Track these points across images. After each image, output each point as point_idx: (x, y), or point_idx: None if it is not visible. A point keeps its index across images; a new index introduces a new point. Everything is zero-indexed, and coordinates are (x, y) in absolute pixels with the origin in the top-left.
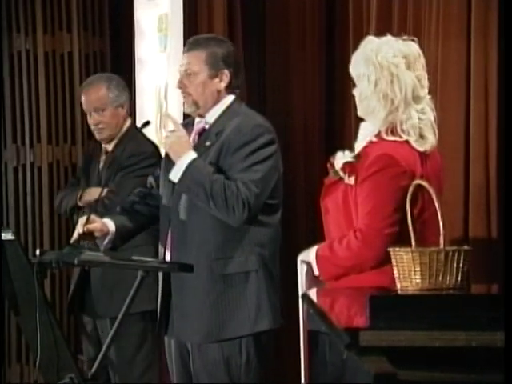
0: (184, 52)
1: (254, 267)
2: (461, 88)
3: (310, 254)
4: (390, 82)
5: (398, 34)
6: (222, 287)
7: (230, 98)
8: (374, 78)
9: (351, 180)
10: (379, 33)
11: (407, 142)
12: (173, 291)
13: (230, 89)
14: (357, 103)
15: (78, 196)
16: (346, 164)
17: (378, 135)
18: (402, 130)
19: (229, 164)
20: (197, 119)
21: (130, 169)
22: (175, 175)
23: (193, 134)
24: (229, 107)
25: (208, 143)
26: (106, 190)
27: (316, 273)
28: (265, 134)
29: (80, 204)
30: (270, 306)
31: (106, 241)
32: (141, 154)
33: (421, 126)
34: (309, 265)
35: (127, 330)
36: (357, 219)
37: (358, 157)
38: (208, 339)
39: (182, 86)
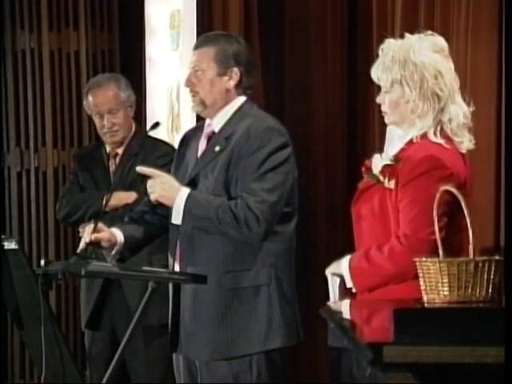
0: (193, 49)
1: (266, 281)
2: (492, 87)
3: (341, 266)
4: (434, 78)
5: (424, 29)
6: (231, 302)
7: (241, 99)
8: (418, 77)
9: (391, 184)
10: (405, 27)
11: (451, 142)
12: (181, 305)
13: (240, 89)
14: (388, 110)
15: (105, 201)
16: (386, 167)
17: (419, 136)
18: (450, 129)
19: (241, 171)
20: (206, 122)
21: (161, 170)
22: (176, 219)
23: (202, 138)
24: (239, 109)
25: (217, 148)
26: (134, 193)
27: (349, 285)
28: (277, 137)
29: (106, 209)
30: (283, 322)
31: (113, 252)
32: (167, 155)
33: (464, 121)
34: (341, 277)
35: (155, 342)
36: (395, 225)
37: (397, 159)
38: (215, 357)
39: (189, 83)
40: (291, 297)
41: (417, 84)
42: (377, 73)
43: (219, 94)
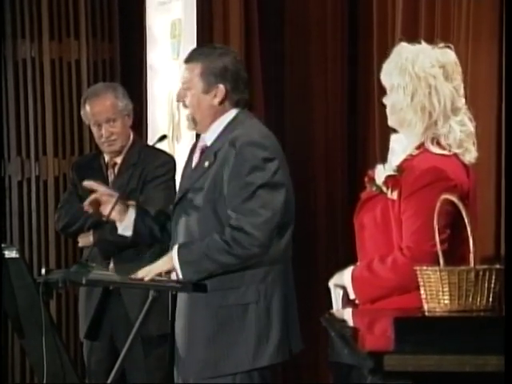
0: (183, 62)
1: (253, 299)
2: (492, 95)
3: (344, 277)
4: (427, 94)
5: (425, 36)
6: (219, 320)
7: (233, 112)
8: (410, 89)
9: (394, 195)
10: (405, 35)
11: (455, 154)
12: (176, 321)
13: (230, 103)
14: (388, 113)
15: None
16: (389, 178)
17: (420, 147)
18: (447, 144)
19: (228, 190)
20: (202, 135)
21: (159, 180)
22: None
23: (196, 151)
24: (231, 122)
25: (206, 164)
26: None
27: (352, 296)
28: (259, 152)
29: (105, 219)
30: (272, 339)
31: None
32: (166, 165)
33: (462, 137)
34: (344, 288)
35: (154, 352)
36: (398, 236)
37: (401, 170)
38: (202, 375)
39: (179, 99)
40: (282, 313)
41: (409, 95)
42: (382, 74)
43: (207, 111)
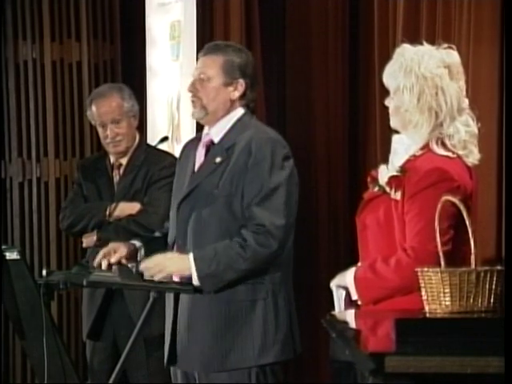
0: (200, 56)
1: (262, 295)
2: (493, 97)
3: (346, 278)
4: (434, 94)
5: (426, 38)
6: (227, 315)
7: (240, 111)
8: (417, 90)
9: (397, 195)
10: (407, 37)
11: (458, 155)
12: (178, 317)
13: (243, 101)
14: (391, 114)
15: (108, 211)
16: (392, 178)
17: (424, 148)
18: (451, 145)
19: (247, 185)
20: (204, 131)
21: (163, 182)
22: (197, 284)
23: (200, 148)
24: (238, 121)
25: (218, 159)
26: (138, 204)
27: (354, 297)
28: (280, 149)
29: (109, 219)
30: (277, 337)
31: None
32: (171, 167)
33: (466, 138)
34: (346, 289)
35: (156, 352)
36: (400, 236)
37: (404, 170)
38: (209, 368)
39: (193, 89)
40: (287, 312)
41: (415, 96)
42: (385, 76)
43: (222, 103)
